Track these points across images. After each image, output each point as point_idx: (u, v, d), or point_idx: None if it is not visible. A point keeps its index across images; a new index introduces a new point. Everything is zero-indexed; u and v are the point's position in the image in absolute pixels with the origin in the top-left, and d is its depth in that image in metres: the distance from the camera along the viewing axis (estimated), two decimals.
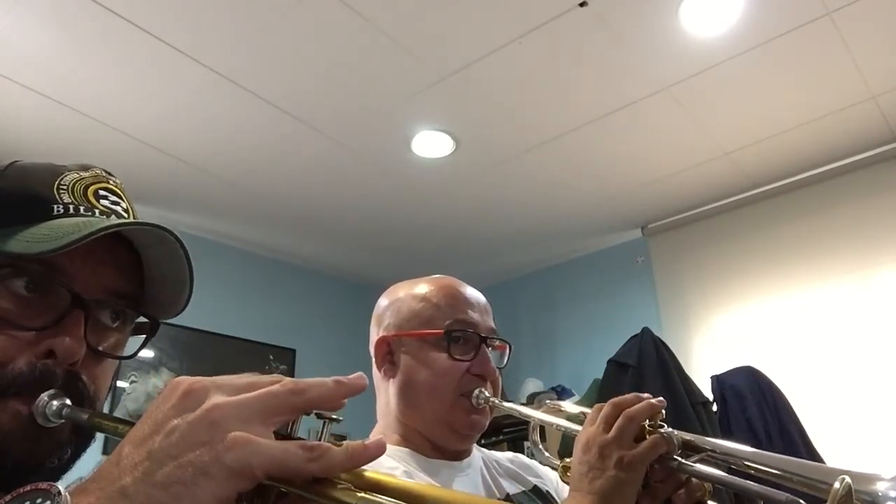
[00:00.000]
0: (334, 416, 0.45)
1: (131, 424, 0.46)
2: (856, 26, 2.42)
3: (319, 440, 0.44)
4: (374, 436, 1.09)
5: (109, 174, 0.69)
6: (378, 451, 0.43)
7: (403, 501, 0.41)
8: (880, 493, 0.61)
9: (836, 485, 0.59)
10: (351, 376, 0.45)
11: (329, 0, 2.24)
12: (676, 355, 2.91)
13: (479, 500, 0.39)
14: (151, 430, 0.42)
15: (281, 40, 2.42)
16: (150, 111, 2.78)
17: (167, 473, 0.39)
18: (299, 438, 0.44)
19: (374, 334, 1.12)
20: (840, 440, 2.81)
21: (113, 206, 0.65)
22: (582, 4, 2.28)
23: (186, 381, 0.43)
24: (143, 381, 3.40)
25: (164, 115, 2.80)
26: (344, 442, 0.43)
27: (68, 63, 2.48)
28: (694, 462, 0.81)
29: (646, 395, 0.87)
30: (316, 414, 0.45)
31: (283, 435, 0.44)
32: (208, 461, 0.39)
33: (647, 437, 0.82)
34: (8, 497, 0.39)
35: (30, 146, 2.91)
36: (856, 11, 2.35)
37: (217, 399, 0.41)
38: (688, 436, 0.83)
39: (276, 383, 0.43)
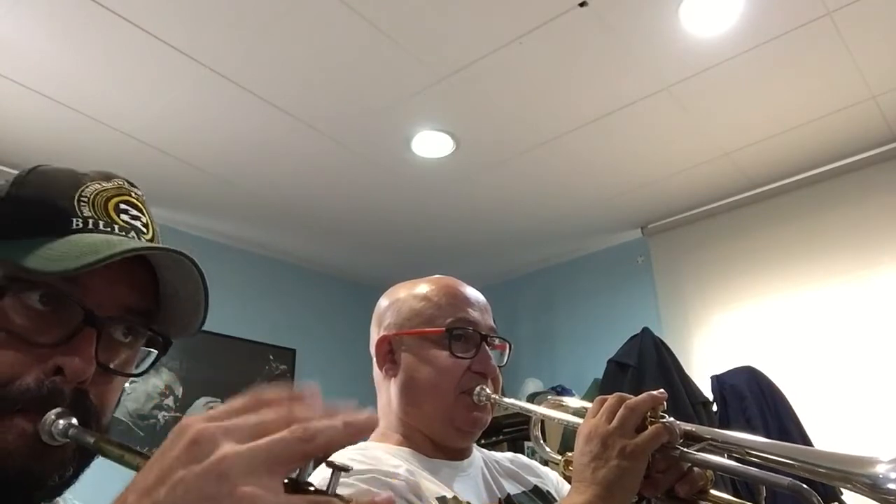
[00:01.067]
0: (345, 466, 0.45)
1: (136, 453, 0.45)
2: (856, 26, 2.42)
3: (328, 489, 0.43)
4: (376, 436, 1.10)
5: (132, 185, 0.69)
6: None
7: None
8: (880, 476, 0.62)
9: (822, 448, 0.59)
10: (360, 417, 0.44)
11: (329, 0, 2.24)
12: (676, 355, 2.92)
13: None
14: (157, 480, 0.41)
15: (281, 40, 2.42)
16: (150, 111, 2.78)
17: None
18: (308, 485, 0.43)
19: (375, 334, 1.12)
20: (840, 440, 2.82)
21: (132, 222, 0.65)
22: (582, 4, 2.28)
23: (194, 426, 0.42)
24: (143, 381, 3.40)
25: (163, 115, 2.80)
26: (350, 496, 0.42)
27: (68, 63, 2.48)
28: (695, 451, 0.81)
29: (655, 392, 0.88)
30: (326, 463, 0.44)
31: (293, 481, 0.43)
32: None
33: (649, 426, 0.83)
34: None
35: (30, 146, 2.91)
36: (856, 11, 2.35)
37: (224, 449, 0.40)
38: (688, 426, 0.84)
39: (285, 427, 0.42)
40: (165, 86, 2.63)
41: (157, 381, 3.45)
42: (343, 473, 0.44)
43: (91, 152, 2.96)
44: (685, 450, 0.81)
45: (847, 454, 0.67)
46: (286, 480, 0.42)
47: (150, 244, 0.65)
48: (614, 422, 0.83)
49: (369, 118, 2.88)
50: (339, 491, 0.43)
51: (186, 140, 2.99)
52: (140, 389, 3.38)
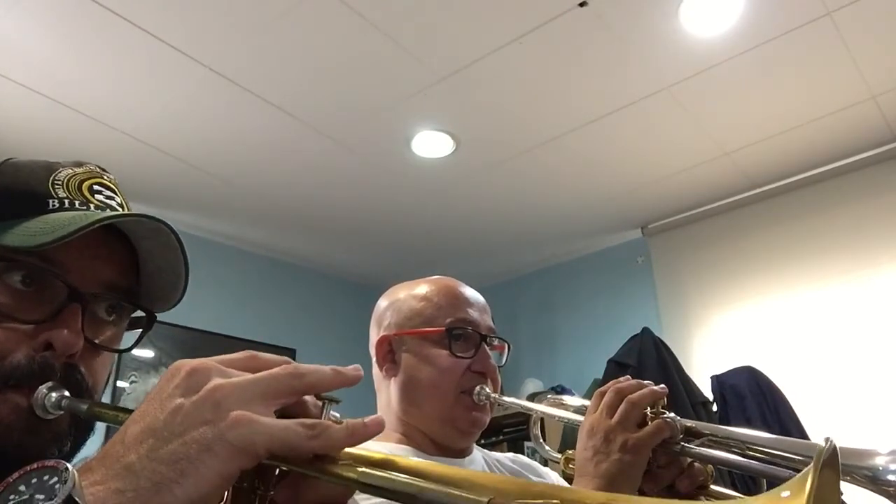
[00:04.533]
0: (334, 397, 0.46)
1: (130, 412, 0.46)
2: (856, 26, 2.42)
3: (319, 417, 0.45)
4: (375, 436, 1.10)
5: (103, 170, 0.70)
6: (377, 427, 0.44)
7: (406, 475, 0.42)
8: (880, 467, 0.62)
9: (822, 443, 0.59)
10: (348, 367, 0.46)
11: (329, 0, 2.24)
12: (676, 355, 2.91)
13: (481, 475, 0.40)
14: (156, 408, 0.42)
15: (281, 40, 2.42)
16: (150, 111, 2.78)
17: (172, 450, 0.40)
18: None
19: (375, 334, 1.13)
20: (840, 440, 2.81)
21: (108, 201, 0.66)
22: (582, 4, 2.28)
23: (190, 362, 0.44)
24: (143, 381, 3.40)
25: (164, 115, 2.80)
26: (344, 420, 0.44)
27: (68, 63, 2.48)
28: (696, 447, 0.82)
29: (647, 381, 0.89)
30: (316, 395, 0.46)
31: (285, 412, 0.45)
32: (212, 438, 0.40)
33: (650, 422, 0.84)
34: (16, 474, 0.39)
35: (30, 146, 2.91)
36: (856, 11, 2.35)
37: (220, 380, 0.42)
38: (689, 422, 0.85)
39: (277, 365, 0.44)
40: (165, 86, 2.63)
41: (157, 381, 3.44)
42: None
43: (91, 152, 2.96)
44: (686, 445, 0.83)
45: (846, 447, 0.67)
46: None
47: (126, 213, 0.65)
48: (616, 416, 0.85)
49: (369, 118, 2.88)
50: None
51: (186, 140, 2.99)
52: (140, 389, 3.38)
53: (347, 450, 0.44)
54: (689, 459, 0.84)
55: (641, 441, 0.82)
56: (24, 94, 2.61)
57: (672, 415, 0.84)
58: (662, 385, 0.87)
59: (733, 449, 0.80)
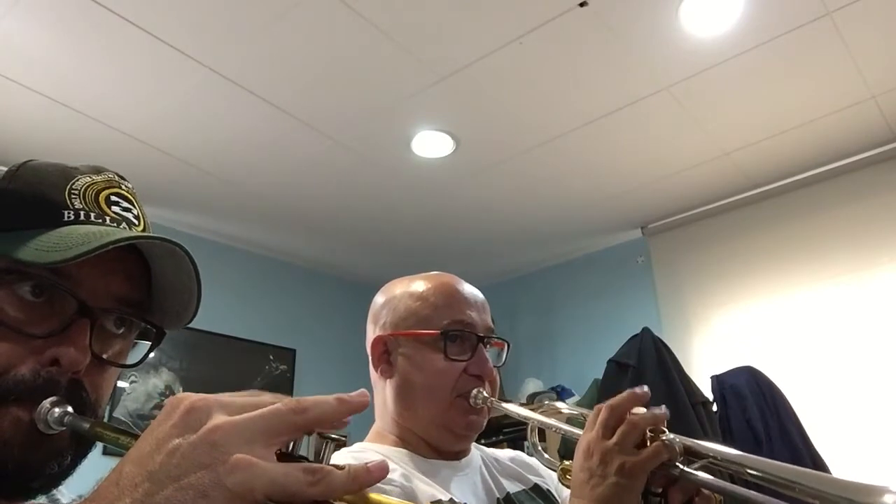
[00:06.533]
0: (335, 436, 0.45)
1: (132, 436, 0.45)
2: (856, 26, 2.42)
3: (321, 460, 0.43)
4: (372, 436, 1.09)
5: (122, 178, 0.69)
6: (381, 473, 0.42)
7: None
8: None
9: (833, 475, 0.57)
10: (353, 394, 0.45)
11: (329, 0, 2.24)
12: (676, 355, 2.91)
13: None
14: (152, 449, 0.41)
15: (281, 40, 2.42)
16: (150, 111, 2.78)
17: (167, 496, 0.39)
18: (302, 458, 0.44)
19: (371, 333, 1.11)
20: (840, 440, 2.81)
21: (124, 213, 0.65)
22: (582, 4, 2.28)
23: (188, 398, 0.43)
24: (142, 381, 3.40)
25: (164, 115, 2.80)
26: (346, 465, 0.42)
27: (68, 63, 2.48)
28: (696, 469, 0.78)
29: (639, 389, 0.86)
30: (318, 434, 0.44)
31: (286, 454, 0.43)
32: (209, 484, 0.39)
33: (649, 443, 0.80)
34: None
35: (30, 146, 2.91)
36: (856, 11, 2.35)
37: (219, 419, 0.41)
38: (689, 441, 0.81)
39: (278, 402, 0.43)
40: (165, 86, 2.63)
41: (157, 381, 3.44)
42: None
43: (91, 152, 2.96)
44: (685, 468, 0.78)
45: (855, 482, 0.64)
46: (280, 452, 0.42)
47: (141, 234, 0.65)
48: (615, 437, 0.81)
49: (369, 118, 2.88)
50: None
51: (186, 140, 2.99)
52: (140, 389, 3.38)
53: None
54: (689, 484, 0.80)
55: (639, 465, 0.79)
56: (24, 94, 2.61)
57: (672, 436, 0.80)
58: (664, 408, 0.83)
59: (735, 473, 0.75)
